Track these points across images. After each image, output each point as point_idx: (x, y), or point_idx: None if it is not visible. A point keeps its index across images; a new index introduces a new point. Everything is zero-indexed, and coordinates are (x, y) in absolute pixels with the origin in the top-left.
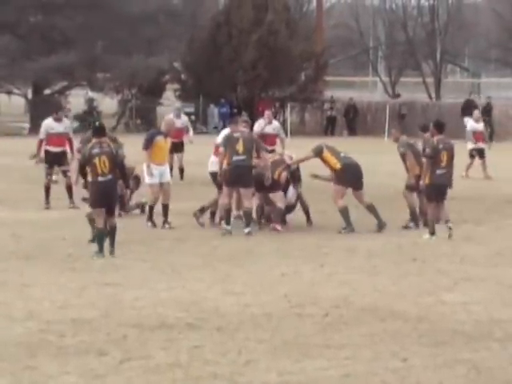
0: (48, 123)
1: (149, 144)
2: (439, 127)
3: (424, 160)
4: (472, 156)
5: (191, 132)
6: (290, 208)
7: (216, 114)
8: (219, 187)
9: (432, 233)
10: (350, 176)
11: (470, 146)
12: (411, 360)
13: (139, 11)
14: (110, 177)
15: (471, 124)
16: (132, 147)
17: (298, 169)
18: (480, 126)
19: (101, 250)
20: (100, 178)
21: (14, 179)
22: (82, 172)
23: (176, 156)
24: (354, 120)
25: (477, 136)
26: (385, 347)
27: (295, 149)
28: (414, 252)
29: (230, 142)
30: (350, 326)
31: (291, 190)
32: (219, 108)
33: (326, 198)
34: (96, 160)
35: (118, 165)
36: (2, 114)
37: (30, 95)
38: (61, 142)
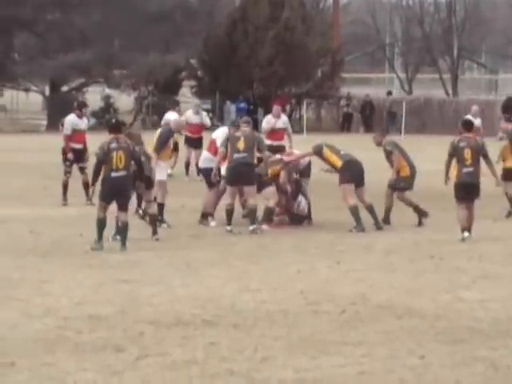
0: (72, 120)
1: (164, 146)
2: (468, 126)
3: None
4: None
5: (208, 123)
6: (301, 218)
7: (232, 111)
8: (210, 185)
9: (464, 229)
10: (352, 172)
11: None
12: (428, 357)
13: (156, 8)
14: (123, 173)
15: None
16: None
17: (309, 165)
18: (477, 122)
19: (99, 239)
20: (113, 174)
21: (32, 176)
22: (99, 168)
23: (194, 152)
24: (371, 117)
25: (474, 131)
26: (402, 345)
27: (311, 145)
28: (431, 249)
29: (230, 141)
30: (367, 323)
31: (303, 201)
32: (237, 104)
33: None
34: (113, 154)
35: (135, 161)
36: (19, 111)
37: (47, 92)
38: (82, 139)
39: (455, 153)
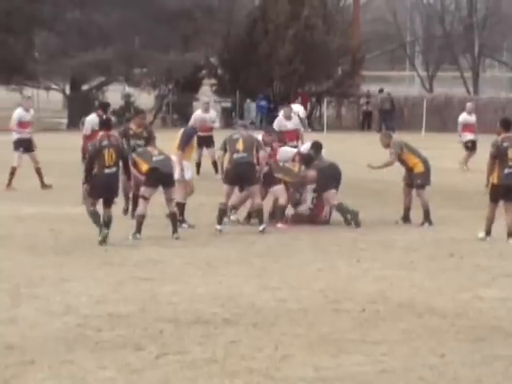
0: (93, 119)
1: (188, 145)
2: (506, 125)
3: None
4: (467, 147)
5: (217, 124)
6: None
7: (253, 109)
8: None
9: (488, 232)
10: (330, 178)
11: (467, 137)
12: (449, 356)
13: (176, 7)
14: (114, 169)
15: (464, 116)
16: (168, 142)
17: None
18: (472, 118)
19: (100, 229)
20: (106, 170)
21: (53, 174)
22: (92, 165)
23: (207, 151)
24: (391, 114)
25: (468, 128)
26: (422, 343)
27: (332, 142)
28: (452, 247)
29: (229, 143)
30: (387, 322)
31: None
32: (258, 101)
33: (363, 193)
34: (105, 152)
35: (123, 159)
36: (40, 110)
37: (67, 91)
38: None
39: (499, 153)
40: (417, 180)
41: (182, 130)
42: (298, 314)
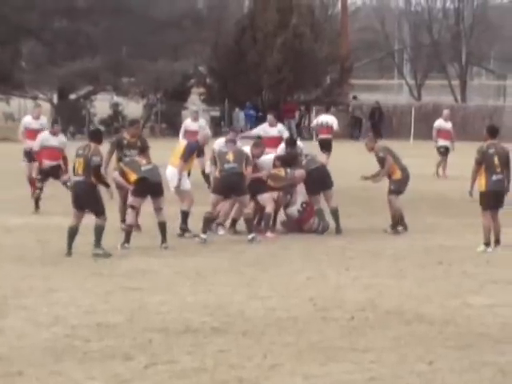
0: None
1: (191, 156)
2: (493, 132)
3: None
4: (440, 153)
5: (206, 132)
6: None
7: (241, 118)
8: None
9: (487, 243)
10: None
11: (440, 143)
12: (437, 363)
13: (164, 16)
14: (81, 178)
15: (439, 122)
16: (157, 151)
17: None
18: (448, 125)
19: (69, 247)
20: (74, 178)
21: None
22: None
23: (197, 160)
24: (380, 123)
25: (443, 134)
26: (410, 350)
27: (320, 151)
28: (440, 255)
29: (219, 156)
30: (376, 330)
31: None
32: (246, 111)
33: (351, 201)
34: (76, 160)
35: (91, 169)
36: None
37: (55, 100)
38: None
39: (484, 160)
40: (391, 186)
41: (185, 143)
42: (287, 322)
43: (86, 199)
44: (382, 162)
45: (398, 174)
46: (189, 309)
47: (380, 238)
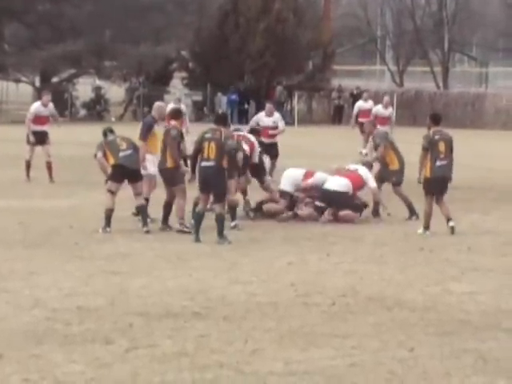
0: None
1: (147, 134)
2: (435, 119)
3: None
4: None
5: (187, 122)
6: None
7: (223, 102)
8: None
9: (426, 227)
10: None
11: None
12: (418, 350)
13: (147, 0)
14: (212, 163)
15: (378, 108)
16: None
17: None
18: (387, 112)
19: (197, 232)
20: (204, 163)
21: (21, 167)
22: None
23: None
24: None
25: (382, 120)
26: (391, 337)
27: (302, 136)
28: (421, 241)
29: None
30: (357, 316)
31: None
32: (228, 95)
33: None
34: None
35: (226, 153)
36: (9, 102)
37: (37, 83)
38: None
39: (430, 146)
40: (392, 177)
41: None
42: (268, 307)
43: (214, 183)
44: (376, 148)
45: (395, 164)
46: (170, 293)
47: (361, 225)
